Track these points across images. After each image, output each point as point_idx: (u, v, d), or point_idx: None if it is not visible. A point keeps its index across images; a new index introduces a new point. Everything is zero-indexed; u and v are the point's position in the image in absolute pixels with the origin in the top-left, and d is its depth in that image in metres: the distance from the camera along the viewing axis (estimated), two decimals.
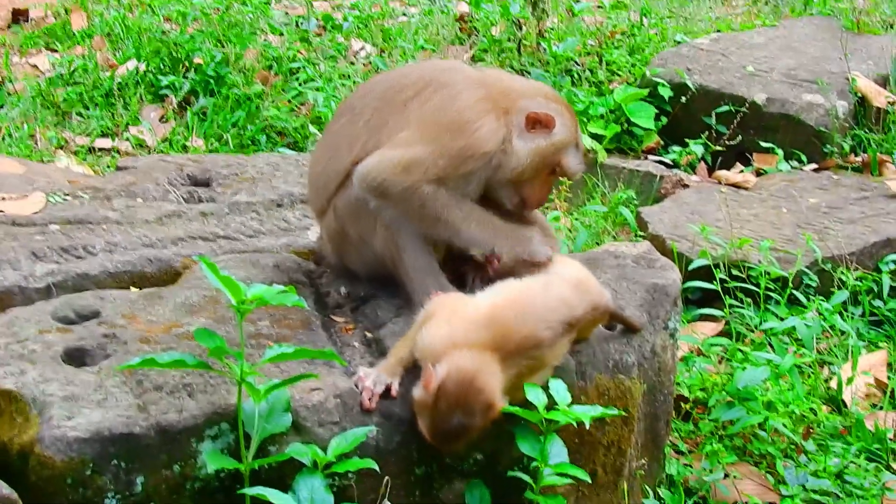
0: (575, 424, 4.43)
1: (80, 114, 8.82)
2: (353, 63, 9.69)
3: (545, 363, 4.47)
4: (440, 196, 4.78)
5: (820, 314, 6.44)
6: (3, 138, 8.31)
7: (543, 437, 4.47)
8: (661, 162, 8.80)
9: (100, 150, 8.44)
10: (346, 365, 4.52)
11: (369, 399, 4.36)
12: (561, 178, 5.18)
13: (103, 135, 8.63)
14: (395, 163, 4.76)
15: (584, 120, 8.82)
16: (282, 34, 10.05)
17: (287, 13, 10.78)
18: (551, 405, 4.44)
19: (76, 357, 4.53)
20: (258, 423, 4.16)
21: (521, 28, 9.65)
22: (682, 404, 5.92)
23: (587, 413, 4.44)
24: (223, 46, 9.43)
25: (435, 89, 4.90)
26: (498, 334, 4.34)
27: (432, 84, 4.92)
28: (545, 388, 4.48)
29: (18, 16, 10.44)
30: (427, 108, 4.86)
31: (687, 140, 8.87)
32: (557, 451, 4.49)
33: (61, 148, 8.34)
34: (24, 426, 4.18)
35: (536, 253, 4.79)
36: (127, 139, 8.54)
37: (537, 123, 4.89)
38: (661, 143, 9.01)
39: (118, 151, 8.40)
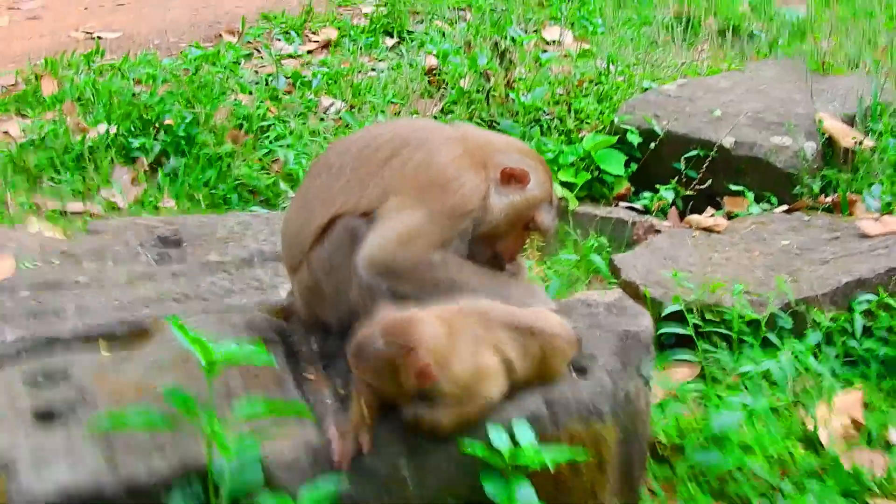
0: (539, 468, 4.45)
1: (51, 178, 8.82)
2: (322, 119, 9.72)
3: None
4: (449, 260, 4.80)
5: (794, 356, 6.45)
6: None
7: (509, 481, 4.47)
8: (632, 208, 8.83)
9: (72, 213, 8.42)
10: (315, 421, 4.51)
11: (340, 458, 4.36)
12: (534, 233, 5.20)
13: (75, 198, 8.62)
14: (395, 238, 4.75)
15: (555, 168, 8.84)
16: (251, 93, 10.08)
17: (256, 72, 10.82)
18: (516, 447, 4.46)
19: (46, 419, 4.52)
20: (229, 479, 4.15)
21: (489, 79, 9.71)
22: (659, 448, 5.91)
23: (552, 456, 4.45)
24: (193, 107, 9.45)
25: (413, 148, 4.92)
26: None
27: (409, 142, 4.94)
28: (510, 432, 4.50)
29: None
30: (408, 168, 4.87)
31: (657, 186, 8.91)
32: (525, 494, 4.49)
33: (33, 212, 8.33)
34: None
35: (543, 304, 4.83)
36: (98, 202, 8.53)
37: (512, 178, 4.93)
38: (632, 189, 9.05)
39: (90, 215, 8.38)
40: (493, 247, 5.03)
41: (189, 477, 4.20)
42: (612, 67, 10.41)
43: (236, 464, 4.17)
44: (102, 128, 9.29)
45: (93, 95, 9.99)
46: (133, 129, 9.34)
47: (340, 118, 9.67)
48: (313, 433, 4.46)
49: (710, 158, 8.84)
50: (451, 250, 4.82)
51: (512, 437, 4.50)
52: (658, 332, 6.42)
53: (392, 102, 9.96)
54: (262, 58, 11.36)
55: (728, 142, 8.99)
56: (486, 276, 4.88)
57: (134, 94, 9.77)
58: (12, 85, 10.53)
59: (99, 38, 11.97)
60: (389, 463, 4.43)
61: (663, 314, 6.72)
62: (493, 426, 4.49)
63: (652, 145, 9.01)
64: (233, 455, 4.13)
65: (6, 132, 9.64)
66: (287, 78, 10.47)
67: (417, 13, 12.78)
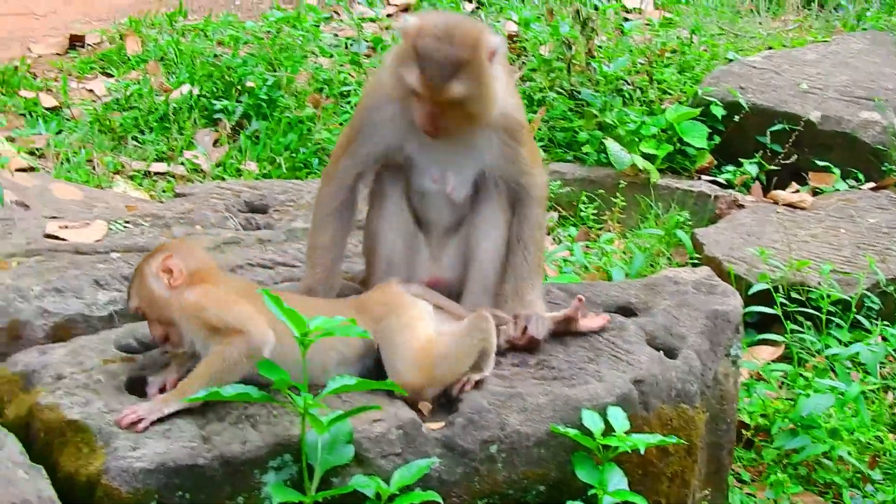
0: (630, 451, 4.46)
1: (135, 138, 8.88)
2: None
3: None
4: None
5: (884, 338, 6.36)
6: (62, 163, 8.37)
7: (602, 465, 4.46)
8: (714, 182, 8.74)
9: (155, 174, 8.48)
10: (406, 394, 4.50)
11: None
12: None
13: (158, 159, 8.68)
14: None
15: (636, 140, 8.77)
16: (332, 56, 10.07)
17: (336, 35, 10.80)
18: (608, 432, 4.46)
19: (139, 386, 4.56)
20: (321, 454, 4.17)
21: (570, 48, 9.61)
22: (744, 431, 5.87)
23: (644, 440, 4.45)
24: (274, 70, 9.46)
25: None
26: None
27: None
28: (603, 415, 4.49)
29: (75, 42, 10.53)
30: None
31: (741, 159, 8.81)
32: (617, 480, 4.49)
33: (118, 173, 8.39)
34: (90, 457, 4.21)
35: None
36: (182, 163, 8.58)
37: None
38: (715, 162, 8.96)
39: (173, 176, 8.44)
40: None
41: (281, 453, 4.22)
42: (695, 37, 10.28)
43: (327, 438, 4.18)
44: (185, 89, 9.34)
45: (176, 56, 10.04)
46: (215, 90, 9.37)
47: None
48: (403, 408, 4.47)
49: (795, 133, 8.73)
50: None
51: (604, 420, 4.48)
52: (743, 310, 6.36)
53: None
54: (341, 20, 11.33)
55: (815, 116, 8.87)
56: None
57: (216, 56, 9.79)
58: (97, 43, 10.59)
59: None
60: (480, 442, 4.43)
61: (750, 292, 6.63)
62: (587, 410, 4.47)
63: (736, 118, 8.90)
64: (325, 429, 4.14)
65: (91, 90, 9.72)
66: (367, 42, 10.44)
67: None
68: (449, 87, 4.64)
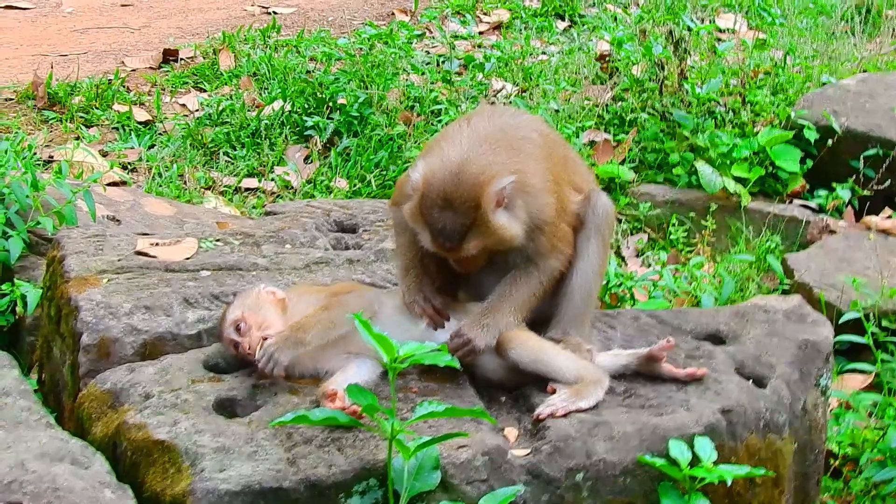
0: (717, 483, 4.42)
1: (227, 154, 8.96)
2: (493, 103, 9.69)
3: None
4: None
5: None
6: (153, 178, 8.47)
7: (687, 495, 4.43)
8: (806, 206, 8.66)
9: (246, 190, 8.55)
10: (494, 423, 4.51)
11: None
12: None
13: (249, 175, 8.75)
14: None
15: (728, 162, 8.71)
16: (423, 73, 10.09)
17: (428, 52, 10.83)
18: (696, 462, 4.42)
19: (227, 407, 4.61)
20: (407, 480, 4.18)
21: (662, 68, 9.56)
22: (831, 460, 5.80)
23: (732, 471, 4.41)
24: (366, 87, 9.50)
25: None
26: None
27: None
28: (690, 445, 4.45)
29: (169, 56, 10.64)
30: None
31: (833, 184, 8.72)
32: None
33: (209, 188, 8.47)
34: (177, 477, 4.24)
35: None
36: (272, 179, 8.64)
37: None
38: (807, 186, 8.87)
39: (264, 192, 8.50)
40: None
41: (367, 477, 4.22)
42: (788, 59, 10.18)
43: (414, 463, 4.18)
44: (277, 104, 9.40)
45: (268, 71, 10.12)
46: (307, 106, 9.43)
47: (511, 102, 9.62)
48: (489, 433, 4.46)
49: (889, 158, 8.60)
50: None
51: (692, 449, 4.44)
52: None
53: (563, 88, 9.87)
54: (433, 38, 11.36)
55: None
56: None
57: (308, 72, 9.85)
58: (190, 58, 10.70)
59: (275, 12, 12.10)
60: (566, 470, 4.41)
61: (840, 321, 6.54)
62: (674, 440, 4.44)
63: (829, 142, 8.81)
64: (411, 455, 4.14)
65: (183, 105, 9.82)
66: (459, 60, 10.46)
67: None
68: (460, 248, 4.73)
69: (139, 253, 5.70)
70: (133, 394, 4.64)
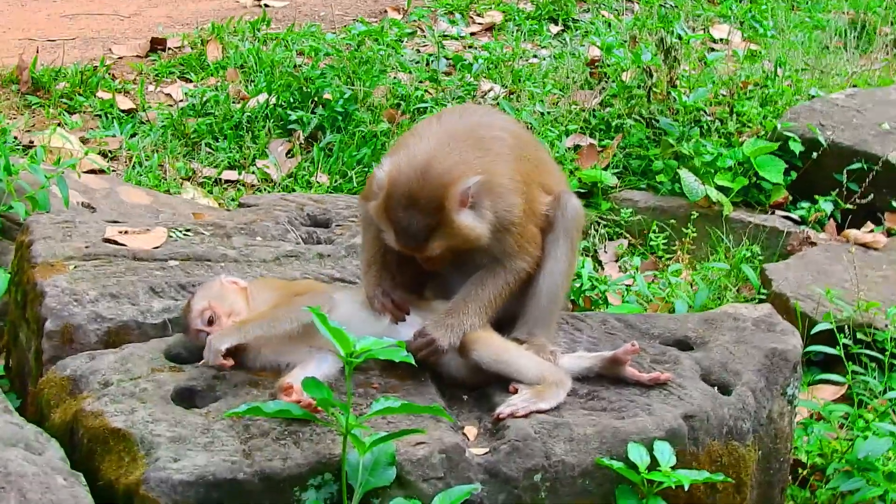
0: (675, 487, 4.41)
1: (209, 145, 8.92)
2: (479, 104, 9.65)
3: None
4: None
5: None
6: (133, 167, 8.43)
7: (645, 499, 4.41)
8: (788, 218, 8.62)
9: (226, 181, 8.51)
10: (452, 421, 4.48)
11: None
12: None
13: (230, 167, 8.71)
14: None
15: (712, 171, 8.68)
16: (411, 72, 10.06)
17: (418, 51, 10.81)
18: (654, 466, 4.41)
19: (186, 397, 4.58)
20: (362, 475, 4.15)
21: (651, 76, 9.54)
22: (800, 470, 5.78)
23: (690, 476, 4.40)
24: (352, 83, 9.46)
25: None
26: None
27: None
28: (650, 449, 4.43)
29: (156, 45, 10.59)
30: None
31: (816, 197, 8.68)
32: None
33: (188, 179, 8.43)
34: (131, 466, 4.22)
35: None
36: (253, 172, 8.60)
37: None
38: (790, 198, 8.84)
39: (244, 184, 8.47)
40: None
41: (322, 471, 4.19)
42: (779, 71, 10.15)
43: (370, 458, 4.15)
44: (262, 97, 9.36)
45: (255, 64, 10.08)
46: (292, 100, 9.38)
47: (497, 104, 9.59)
48: (447, 431, 4.43)
49: (873, 173, 8.58)
50: None
51: (651, 454, 4.42)
52: (806, 349, 6.26)
53: (551, 92, 9.84)
54: (424, 37, 11.34)
55: (894, 157, 8.71)
56: None
57: (295, 66, 9.82)
58: (178, 48, 10.66)
59: (266, 6, 12.06)
60: (525, 470, 4.38)
61: (812, 332, 6.52)
62: (633, 443, 4.41)
63: (814, 155, 8.78)
64: (367, 450, 4.11)
65: (168, 94, 9.78)
66: (448, 59, 10.43)
67: (585, 1, 12.63)
68: (424, 248, 4.71)
69: (107, 240, 5.67)
70: (92, 381, 4.61)
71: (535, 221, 4.94)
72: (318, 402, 4.10)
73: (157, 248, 5.67)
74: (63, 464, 4.16)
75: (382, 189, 4.70)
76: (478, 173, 4.68)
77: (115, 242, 5.65)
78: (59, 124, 8.90)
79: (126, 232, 5.73)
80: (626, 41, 10.69)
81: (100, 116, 9.25)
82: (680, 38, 10.06)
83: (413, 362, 4.20)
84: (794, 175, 8.87)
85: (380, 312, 4.81)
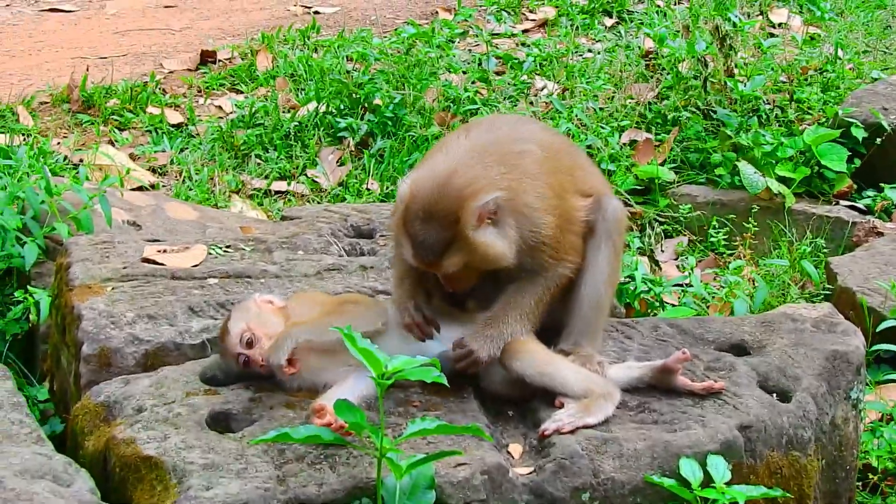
0: None
1: (258, 156, 8.82)
2: (532, 103, 9.48)
3: None
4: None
5: None
6: (184, 181, 8.35)
7: None
8: (853, 207, 8.37)
9: (276, 192, 8.41)
10: (491, 440, 4.32)
11: None
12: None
13: (280, 178, 8.60)
14: None
15: (772, 162, 8.45)
16: (464, 72, 9.91)
17: (470, 51, 10.65)
18: (708, 481, 4.24)
19: (221, 421, 4.47)
20: (400, 499, 4.00)
21: (707, 65, 9.32)
22: (870, 475, 5.56)
23: (745, 493, 4.21)
24: (403, 87, 9.32)
25: None
26: None
27: None
28: (703, 464, 4.25)
29: (207, 58, 10.53)
30: None
31: (882, 185, 8.43)
32: None
33: (237, 192, 8.33)
34: (163, 495, 4.12)
35: None
36: (302, 182, 8.49)
37: None
38: (854, 187, 8.58)
39: (293, 195, 8.36)
40: None
41: (359, 496, 4.05)
42: (840, 54, 9.88)
43: (408, 482, 4.01)
44: (312, 106, 9.25)
45: (305, 72, 9.97)
46: (342, 108, 9.26)
47: (550, 102, 9.41)
48: (489, 451, 4.28)
49: None
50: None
51: (704, 468, 4.24)
52: (872, 347, 6.03)
53: (604, 87, 9.63)
54: (476, 37, 11.17)
55: None
56: None
57: (347, 72, 9.69)
58: (228, 59, 10.59)
59: (316, 13, 11.97)
60: (571, 489, 4.21)
61: (880, 328, 6.28)
62: (685, 458, 4.23)
63: (878, 140, 8.52)
64: (404, 473, 3.97)
65: (219, 107, 9.70)
66: (498, 59, 10.26)
67: None
68: (440, 264, 4.56)
69: (146, 260, 5.57)
70: (126, 407, 4.51)
71: (574, 230, 4.77)
72: (349, 426, 3.96)
73: (195, 266, 5.57)
74: (92, 496, 4.05)
75: (403, 202, 4.58)
76: (501, 189, 4.52)
77: (154, 262, 5.55)
78: (109, 142, 8.84)
79: (165, 251, 5.63)
80: (679, 31, 10.45)
81: (150, 132, 9.18)
82: (735, 25, 9.84)
83: (446, 383, 4.03)
84: (857, 162, 8.61)
85: (408, 329, 4.67)
